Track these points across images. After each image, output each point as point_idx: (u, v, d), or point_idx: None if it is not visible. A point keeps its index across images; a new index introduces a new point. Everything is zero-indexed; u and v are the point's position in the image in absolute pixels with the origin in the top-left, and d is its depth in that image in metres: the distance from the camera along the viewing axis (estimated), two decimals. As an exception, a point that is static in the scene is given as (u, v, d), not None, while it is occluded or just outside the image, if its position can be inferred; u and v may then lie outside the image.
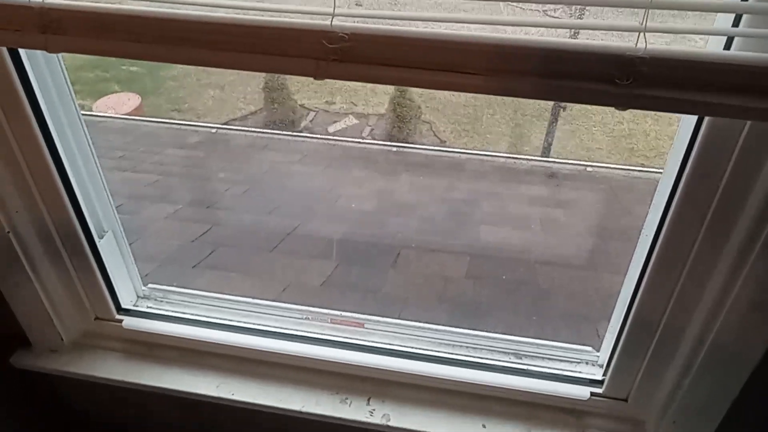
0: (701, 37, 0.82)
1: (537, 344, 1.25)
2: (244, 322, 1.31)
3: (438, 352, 1.24)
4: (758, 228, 0.79)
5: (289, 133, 4.01)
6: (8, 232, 1.09)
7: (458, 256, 2.10)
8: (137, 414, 1.41)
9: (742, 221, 0.81)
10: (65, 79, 1.05)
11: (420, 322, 1.29)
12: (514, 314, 1.71)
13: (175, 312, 1.33)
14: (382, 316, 1.31)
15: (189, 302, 1.36)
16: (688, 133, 0.83)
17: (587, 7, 0.85)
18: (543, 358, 1.24)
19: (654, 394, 1.08)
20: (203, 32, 0.72)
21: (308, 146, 3.69)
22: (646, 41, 0.63)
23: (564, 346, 1.24)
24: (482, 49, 0.68)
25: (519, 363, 1.23)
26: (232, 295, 1.38)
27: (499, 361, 1.23)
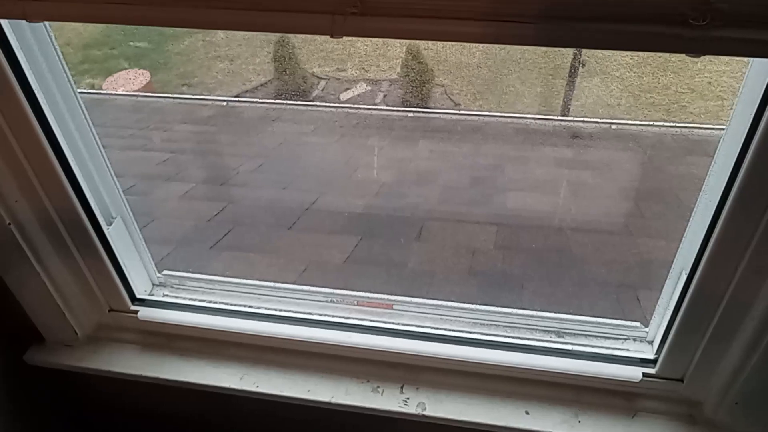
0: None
1: (579, 321, 1.16)
2: (266, 308, 1.23)
3: (473, 333, 1.16)
4: None
5: (302, 102, 3.89)
6: (9, 223, 1.02)
7: (485, 225, 2.00)
8: (157, 408, 1.35)
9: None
10: (56, 52, 0.95)
11: (452, 301, 1.21)
12: (548, 285, 1.62)
13: (193, 300, 1.26)
14: (411, 296, 1.23)
15: (206, 288, 1.28)
16: (761, 83, 0.72)
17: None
18: (586, 335, 1.15)
19: (714, 374, 0.99)
20: (201, -10, 0.61)
21: (321, 116, 3.57)
22: (733, -29, 0.52)
23: (609, 322, 1.15)
24: (531, -8, 0.57)
25: (560, 342, 1.14)
26: (252, 279, 1.30)
27: (540, 340, 1.14)
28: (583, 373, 1.06)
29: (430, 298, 1.22)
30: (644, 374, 1.04)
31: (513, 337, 1.15)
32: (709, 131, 3.12)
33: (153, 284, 1.30)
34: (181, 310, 1.22)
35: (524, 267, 1.72)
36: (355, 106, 4.04)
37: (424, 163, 2.68)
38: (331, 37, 0.65)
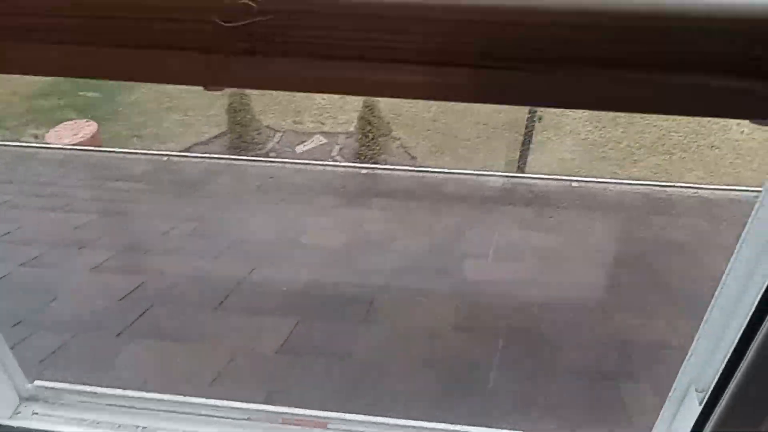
0: None
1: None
2: (165, 430, 0.96)
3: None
4: None
5: (249, 157, 3.67)
6: None
7: (444, 301, 1.77)
8: None
9: None
10: None
11: (405, 418, 0.95)
12: (517, 378, 1.40)
13: (72, 420, 0.97)
14: (351, 412, 0.97)
15: (91, 403, 1.00)
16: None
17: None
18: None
19: None
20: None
21: (270, 171, 3.33)
22: None
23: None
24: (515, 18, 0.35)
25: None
26: (149, 392, 1.02)
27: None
28: None
29: (374, 414, 0.96)
30: None
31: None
32: (669, 189, 3.03)
33: (20, 398, 1.00)
34: (49, 439, 0.93)
35: (489, 354, 1.49)
36: (304, 161, 3.85)
37: (377, 226, 2.45)
38: (206, 89, 0.42)
